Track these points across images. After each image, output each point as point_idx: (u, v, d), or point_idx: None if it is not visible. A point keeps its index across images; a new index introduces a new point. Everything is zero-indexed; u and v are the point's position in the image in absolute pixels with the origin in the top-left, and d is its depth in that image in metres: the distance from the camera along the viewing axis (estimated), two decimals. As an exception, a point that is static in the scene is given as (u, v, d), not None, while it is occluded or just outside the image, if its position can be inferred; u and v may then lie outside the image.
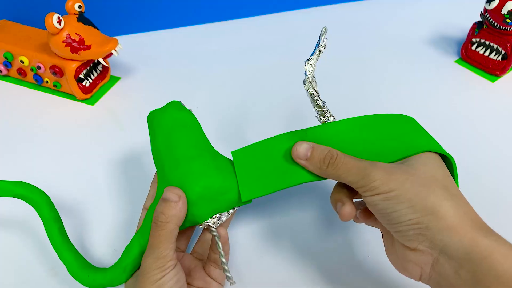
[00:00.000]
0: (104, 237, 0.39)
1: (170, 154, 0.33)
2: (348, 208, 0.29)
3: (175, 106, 0.36)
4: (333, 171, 0.29)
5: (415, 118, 0.35)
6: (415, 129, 0.33)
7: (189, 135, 0.34)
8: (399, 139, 0.31)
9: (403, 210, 0.26)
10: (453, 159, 0.31)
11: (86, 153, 0.47)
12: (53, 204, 0.35)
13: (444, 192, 0.27)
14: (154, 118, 0.35)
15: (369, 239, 0.38)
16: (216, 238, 0.31)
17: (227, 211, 0.33)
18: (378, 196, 0.27)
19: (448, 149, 0.46)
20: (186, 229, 0.36)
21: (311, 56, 0.35)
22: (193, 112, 0.37)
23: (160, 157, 0.33)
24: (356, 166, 0.28)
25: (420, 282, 0.28)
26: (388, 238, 0.30)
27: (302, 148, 0.31)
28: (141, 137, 0.46)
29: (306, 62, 0.36)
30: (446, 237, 0.25)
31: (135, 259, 0.32)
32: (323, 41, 0.35)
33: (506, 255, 0.24)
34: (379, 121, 0.34)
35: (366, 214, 0.33)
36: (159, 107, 0.36)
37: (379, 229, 0.33)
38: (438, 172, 0.28)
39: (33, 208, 0.35)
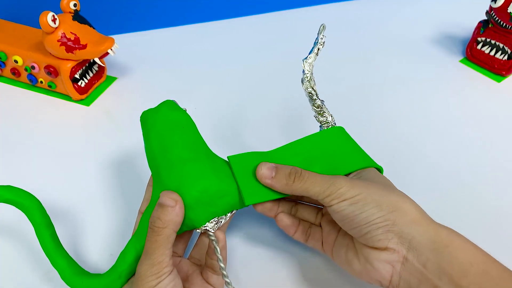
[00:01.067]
0: (100, 241, 0.38)
1: (165, 156, 0.32)
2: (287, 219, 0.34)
3: (170, 106, 0.35)
4: (300, 183, 0.31)
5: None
6: (350, 144, 0.35)
7: (184, 136, 0.33)
8: (342, 156, 0.34)
9: (370, 210, 0.28)
10: (382, 170, 0.34)
11: (81, 155, 0.46)
12: (44, 209, 0.34)
13: (400, 193, 0.30)
14: (148, 119, 0.34)
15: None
16: (214, 242, 0.30)
17: (225, 215, 0.32)
18: (345, 202, 0.29)
19: (451, 150, 0.46)
20: (183, 233, 0.35)
21: (309, 54, 0.35)
22: (190, 113, 0.36)
23: (154, 160, 0.32)
24: (321, 177, 0.31)
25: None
26: (341, 252, 0.31)
27: (266, 168, 0.32)
28: (138, 139, 0.45)
29: (304, 61, 0.35)
30: (413, 230, 0.27)
31: (130, 264, 0.31)
32: (322, 38, 0.34)
33: (463, 243, 0.27)
34: (322, 139, 0.35)
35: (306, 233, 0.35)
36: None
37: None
38: (386, 181, 0.32)
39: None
